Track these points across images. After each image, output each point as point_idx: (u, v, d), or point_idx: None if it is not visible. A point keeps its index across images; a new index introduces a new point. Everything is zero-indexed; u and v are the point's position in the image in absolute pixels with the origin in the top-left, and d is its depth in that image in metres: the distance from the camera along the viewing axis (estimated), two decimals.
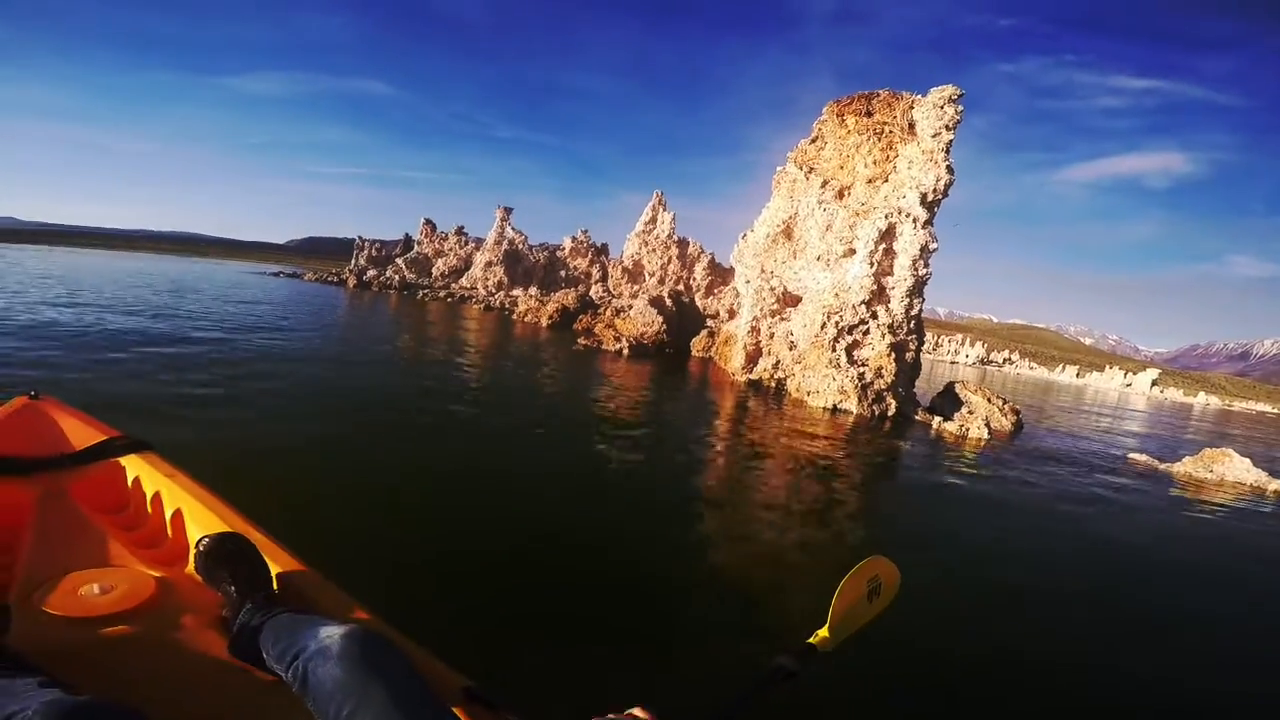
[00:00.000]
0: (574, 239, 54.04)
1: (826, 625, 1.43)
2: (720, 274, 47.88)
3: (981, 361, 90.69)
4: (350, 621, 1.28)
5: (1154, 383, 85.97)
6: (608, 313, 24.78)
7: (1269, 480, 10.27)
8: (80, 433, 2.17)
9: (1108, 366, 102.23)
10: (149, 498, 1.96)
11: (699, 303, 33.04)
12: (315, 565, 1.62)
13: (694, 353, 19.85)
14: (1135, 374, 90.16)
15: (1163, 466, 11.09)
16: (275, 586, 1.52)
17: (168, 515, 1.87)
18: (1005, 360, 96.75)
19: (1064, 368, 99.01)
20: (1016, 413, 14.26)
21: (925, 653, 3.31)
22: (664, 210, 50.67)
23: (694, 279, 47.19)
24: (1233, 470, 10.64)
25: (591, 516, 4.71)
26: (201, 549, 1.53)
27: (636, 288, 47.44)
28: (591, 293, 38.68)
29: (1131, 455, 12.07)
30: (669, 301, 21.78)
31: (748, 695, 1.20)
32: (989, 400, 13.81)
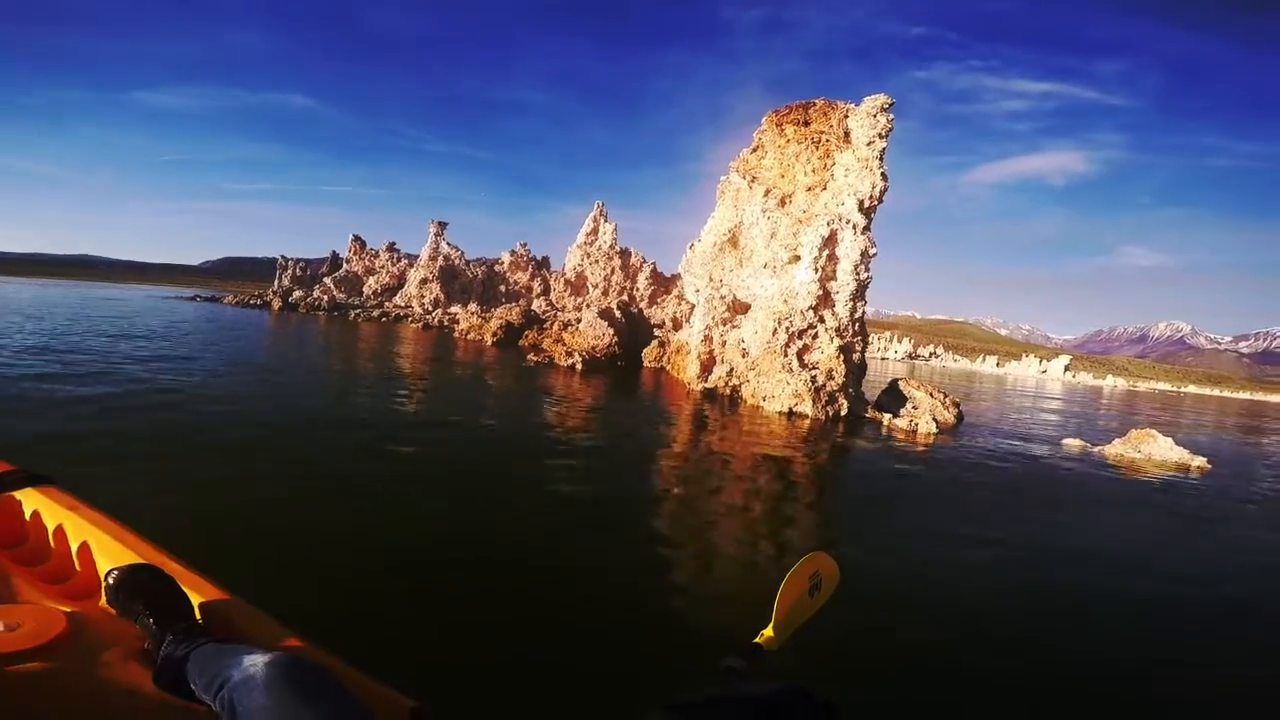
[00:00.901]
0: (513, 253, 53.21)
1: (771, 624, 1.46)
2: (663, 283, 48.26)
3: (909, 356, 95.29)
4: (277, 649, 1.24)
5: (1066, 368, 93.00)
6: (555, 327, 24.42)
7: (1191, 457, 11.14)
8: None
9: (1024, 355, 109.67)
10: (51, 531, 1.87)
11: (644, 313, 33.08)
12: (241, 593, 1.56)
13: (646, 363, 19.77)
14: (1049, 361, 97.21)
15: (1095, 449, 11.85)
16: (198, 616, 1.47)
17: (74, 548, 1.78)
18: (931, 354, 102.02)
19: (984, 358, 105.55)
20: (957, 405, 14.93)
21: (888, 643, 3.42)
22: (605, 221, 50.68)
23: (637, 289, 47.32)
24: (1158, 450, 11.46)
25: (544, 529, 4.67)
26: (111, 581, 1.48)
27: (580, 300, 47.16)
28: (535, 307, 38.08)
29: (1066, 440, 12.85)
30: (618, 313, 21.66)
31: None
32: (931, 395, 14.38)
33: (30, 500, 1.95)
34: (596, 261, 49.15)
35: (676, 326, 38.51)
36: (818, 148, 14.45)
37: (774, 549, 4.90)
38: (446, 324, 35.46)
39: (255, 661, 1.13)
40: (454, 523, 4.62)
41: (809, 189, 14.01)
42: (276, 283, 51.44)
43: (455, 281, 48.73)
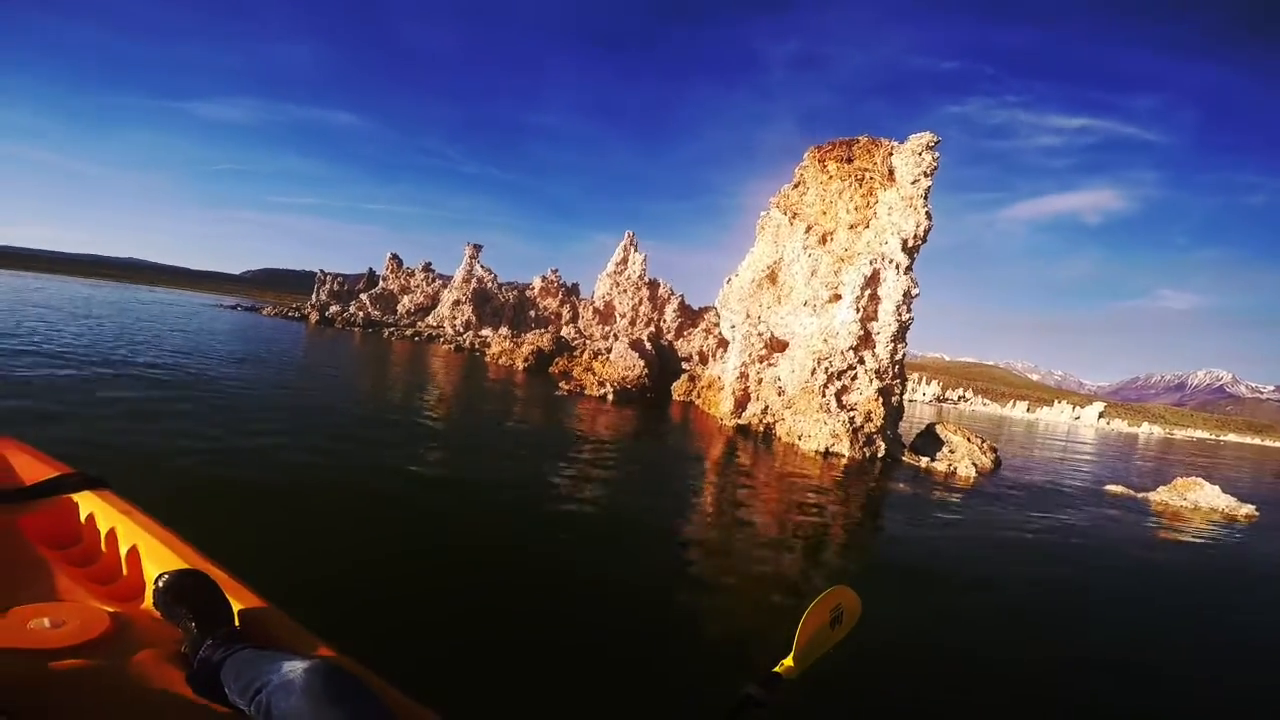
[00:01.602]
0: (544, 278, 53.99)
1: (791, 654, 1.48)
2: (690, 316, 48.44)
3: (938, 399, 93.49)
4: (314, 657, 1.27)
5: (1100, 415, 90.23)
6: (585, 355, 24.59)
7: (1238, 505, 10.79)
8: (29, 468, 2.15)
9: (1056, 401, 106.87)
10: (103, 534, 1.92)
11: (672, 345, 33.20)
12: (278, 603, 1.61)
13: (675, 397, 19.76)
14: (1082, 408, 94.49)
15: (1140, 495, 11.51)
16: (237, 623, 1.51)
17: (123, 552, 1.84)
18: (960, 397, 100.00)
19: (1015, 403, 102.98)
20: (994, 450, 14.60)
21: (921, 685, 3.40)
22: (635, 251, 51.28)
23: (664, 321, 47.56)
24: (1205, 497, 11.09)
25: (575, 554, 4.72)
26: (160, 585, 1.52)
27: (608, 329, 47.52)
28: (563, 333, 38.49)
29: (1108, 486, 12.48)
30: (648, 345, 21.76)
31: None
32: (968, 439, 14.09)
33: (86, 503, 2.01)
34: (625, 291, 49.60)
35: (703, 360, 38.52)
36: (861, 185, 14.52)
37: (803, 582, 4.87)
38: (477, 347, 35.97)
39: (294, 667, 1.17)
40: (485, 543, 4.70)
41: (851, 226, 14.05)
42: (314, 296, 52.91)
43: (487, 305, 49.55)
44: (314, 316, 43.07)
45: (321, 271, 55.51)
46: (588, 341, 33.82)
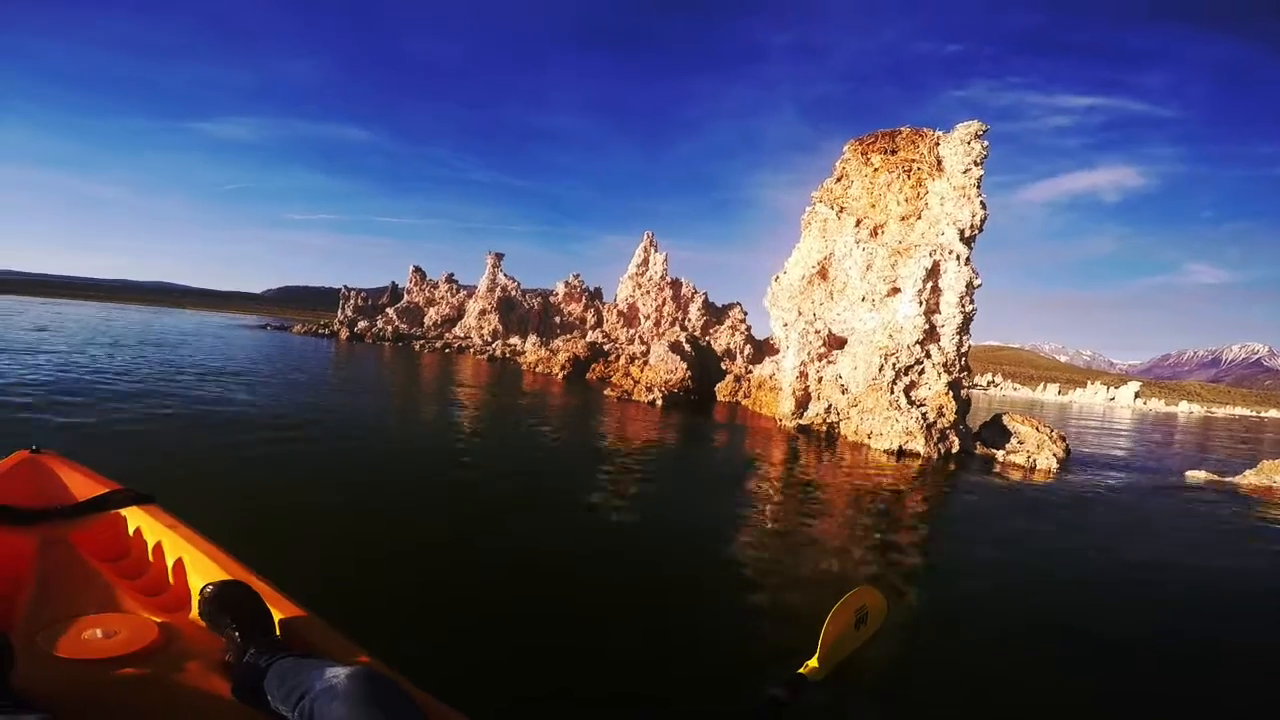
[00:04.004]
0: (567, 284, 54.07)
1: (816, 655, 1.46)
2: (715, 314, 48.14)
3: (969, 386, 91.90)
4: (354, 663, 1.30)
5: (1136, 395, 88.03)
6: (622, 360, 24.48)
7: None
8: (81, 485, 2.24)
9: (1089, 382, 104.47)
10: (150, 547, 2.00)
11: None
12: (318, 612, 1.64)
13: (720, 398, 19.54)
14: (1116, 388, 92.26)
15: (1229, 481, 11.10)
16: (278, 632, 1.55)
17: (169, 564, 1.90)
18: (990, 382, 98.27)
19: (1045, 386, 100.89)
20: (1064, 440, 14.17)
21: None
22: (655, 251, 51.13)
23: (689, 320, 47.31)
24: None
25: (637, 552, 4.67)
26: (206, 595, 1.57)
27: (632, 331, 47.42)
28: (589, 338, 38.43)
29: (1190, 473, 12.06)
30: (687, 346, 21.57)
31: None
32: (1037, 429, 13.67)
33: (134, 518, 2.10)
34: (648, 292, 49.47)
35: (732, 358, 38.24)
36: (909, 176, 14.19)
37: (883, 588, 4.67)
38: (509, 356, 36.06)
39: (336, 673, 1.19)
40: (543, 544, 4.67)
41: (903, 218, 13.74)
42: (340, 312, 53.48)
43: (513, 313, 49.73)
44: (344, 333, 43.56)
45: (345, 287, 56.13)
46: (627, 346, 33.71)
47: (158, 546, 1.98)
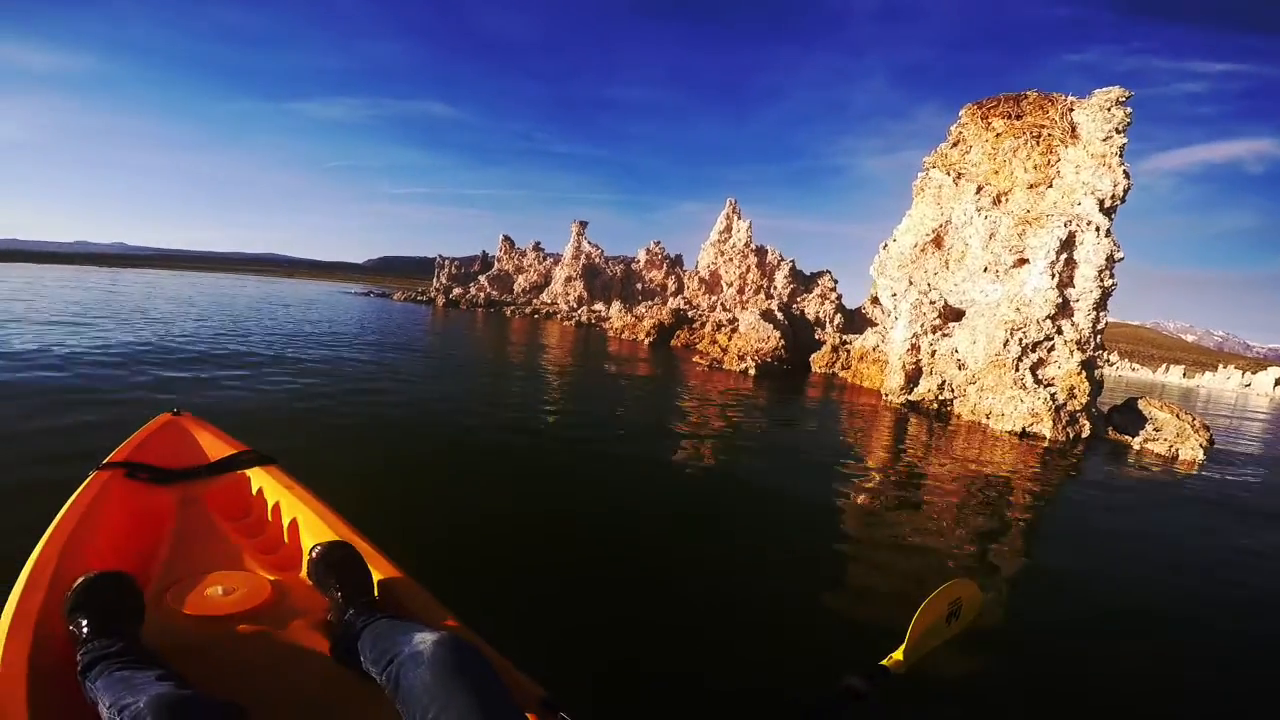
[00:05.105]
0: (648, 251, 54.07)
1: (902, 648, 1.42)
2: (803, 281, 46.80)
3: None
4: (442, 629, 1.34)
5: (1277, 382, 78.14)
6: (708, 327, 24.43)
7: None
8: (213, 446, 2.39)
9: (1220, 365, 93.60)
10: (270, 507, 2.12)
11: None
12: (412, 574, 1.69)
13: (815, 369, 19.17)
14: (1253, 373, 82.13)
15: None
16: (376, 593, 1.60)
17: (285, 524, 2.01)
18: (1105, 361, 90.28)
19: (1168, 368, 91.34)
20: (1207, 428, 12.96)
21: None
22: (739, 218, 50.05)
23: (775, 288, 46.28)
24: None
25: (723, 540, 4.42)
26: (314, 556, 1.65)
27: (714, 299, 47.00)
28: (670, 305, 38.50)
29: None
30: (779, 315, 21.19)
31: (813, 716, 1.24)
32: (1177, 416, 12.58)
33: (257, 478, 2.23)
34: (731, 260, 48.67)
35: (820, 327, 37.14)
36: (1039, 142, 13.08)
37: (985, 582, 4.34)
38: (593, 322, 36.80)
39: (424, 639, 1.23)
40: (641, 513, 4.62)
41: (1031, 186, 12.73)
42: (435, 280, 56.25)
43: (597, 279, 50.46)
44: (440, 300, 45.88)
45: (440, 256, 58.80)
46: (701, 313, 33.57)
47: (276, 506, 2.09)
